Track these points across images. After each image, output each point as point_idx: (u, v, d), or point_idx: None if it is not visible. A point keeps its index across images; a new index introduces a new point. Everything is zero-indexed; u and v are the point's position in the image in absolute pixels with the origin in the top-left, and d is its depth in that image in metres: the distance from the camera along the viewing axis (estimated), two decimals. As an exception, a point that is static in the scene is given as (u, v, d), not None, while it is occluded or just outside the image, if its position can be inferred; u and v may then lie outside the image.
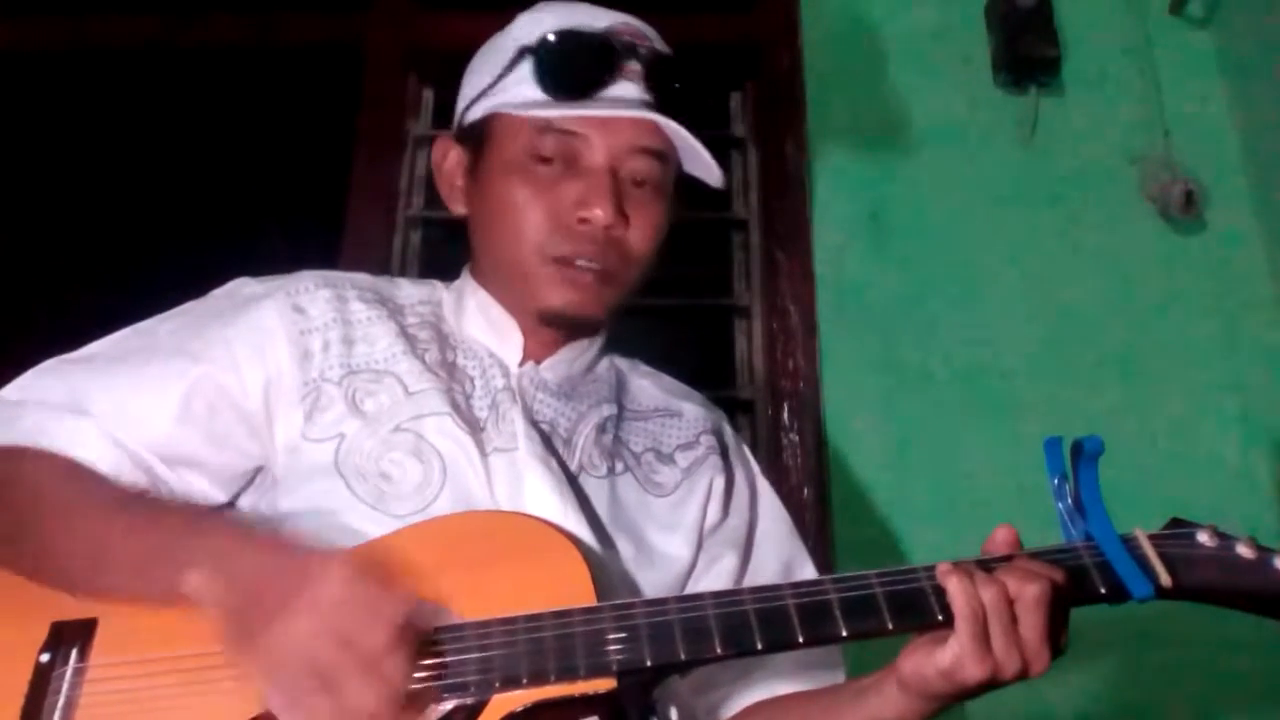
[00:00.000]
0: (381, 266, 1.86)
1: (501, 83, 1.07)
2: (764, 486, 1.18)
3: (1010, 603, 0.82)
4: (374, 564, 0.81)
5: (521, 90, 1.05)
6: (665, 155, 1.06)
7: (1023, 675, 0.83)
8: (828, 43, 2.07)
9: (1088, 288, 1.94)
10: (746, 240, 2.06)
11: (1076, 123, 2.04)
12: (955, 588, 0.82)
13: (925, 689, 0.86)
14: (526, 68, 1.05)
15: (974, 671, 0.82)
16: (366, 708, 0.74)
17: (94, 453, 0.93)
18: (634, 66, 1.04)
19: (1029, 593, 0.82)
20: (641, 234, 1.05)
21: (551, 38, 1.05)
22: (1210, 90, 2.05)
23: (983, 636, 0.82)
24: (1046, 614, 0.82)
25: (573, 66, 1.04)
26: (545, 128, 1.03)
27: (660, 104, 1.04)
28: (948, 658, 0.83)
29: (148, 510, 0.89)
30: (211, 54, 2.15)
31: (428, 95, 2.14)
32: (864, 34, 2.08)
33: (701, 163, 1.08)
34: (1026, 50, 2.00)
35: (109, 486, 0.91)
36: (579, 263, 1.02)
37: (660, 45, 1.08)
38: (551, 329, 1.07)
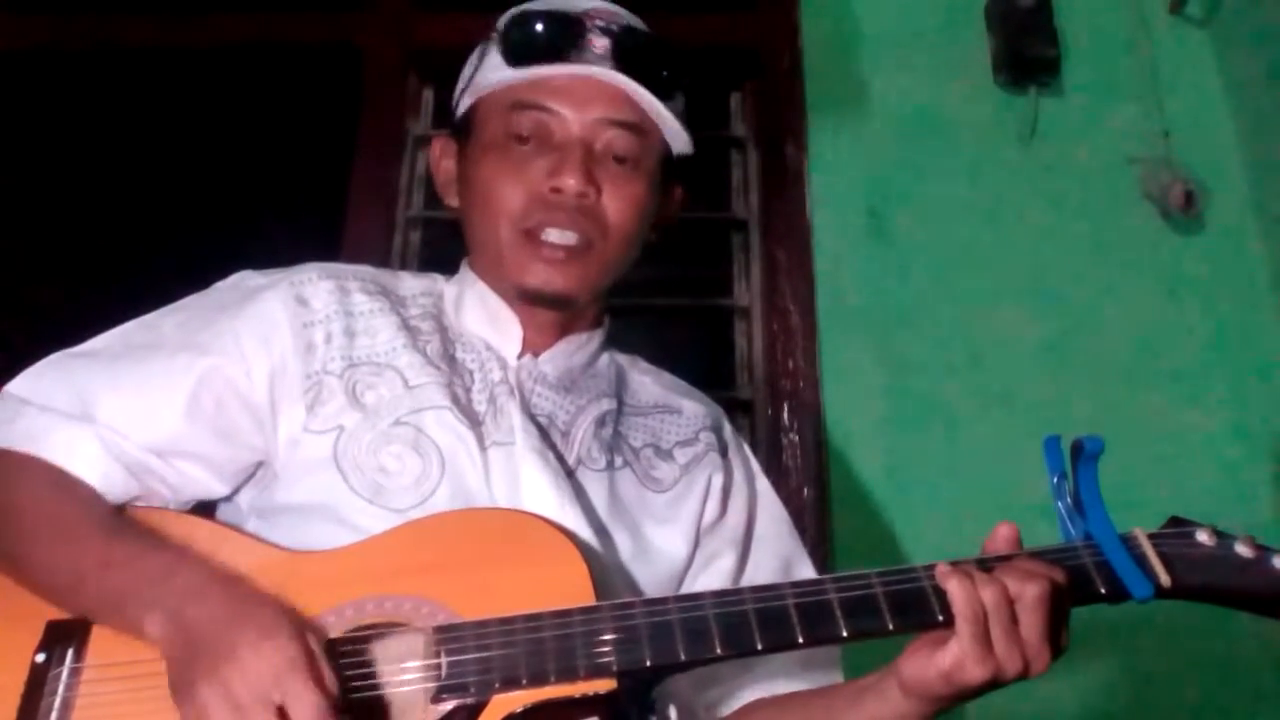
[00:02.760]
0: (381, 266, 1.85)
1: (479, 71, 1.10)
2: (763, 485, 1.18)
3: (1010, 603, 0.82)
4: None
5: (494, 72, 1.07)
6: (643, 129, 1.06)
7: (1023, 675, 0.83)
8: (828, 43, 2.07)
9: (1087, 287, 1.93)
10: (746, 240, 2.06)
11: (1076, 123, 2.03)
12: (955, 589, 0.82)
13: (927, 691, 0.86)
14: (496, 50, 1.08)
15: (976, 672, 0.82)
16: None
17: (86, 464, 0.93)
18: (600, 40, 1.05)
19: (1029, 592, 0.82)
20: (618, 206, 1.05)
21: (516, 13, 1.08)
22: (1210, 90, 2.05)
23: (984, 637, 0.82)
24: (1047, 613, 0.82)
25: (532, 35, 1.06)
26: (517, 105, 1.05)
27: (628, 75, 1.05)
28: (949, 659, 0.83)
29: (124, 544, 0.89)
30: (212, 54, 2.15)
31: (428, 95, 2.14)
32: (864, 34, 2.08)
33: (672, 132, 1.09)
34: (1026, 50, 2.00)
35: (91, 510, 0.91)
36: (551, 232, 1.03)
37: (641, 28, 1.09)
38: (544, 312, 1.07)
